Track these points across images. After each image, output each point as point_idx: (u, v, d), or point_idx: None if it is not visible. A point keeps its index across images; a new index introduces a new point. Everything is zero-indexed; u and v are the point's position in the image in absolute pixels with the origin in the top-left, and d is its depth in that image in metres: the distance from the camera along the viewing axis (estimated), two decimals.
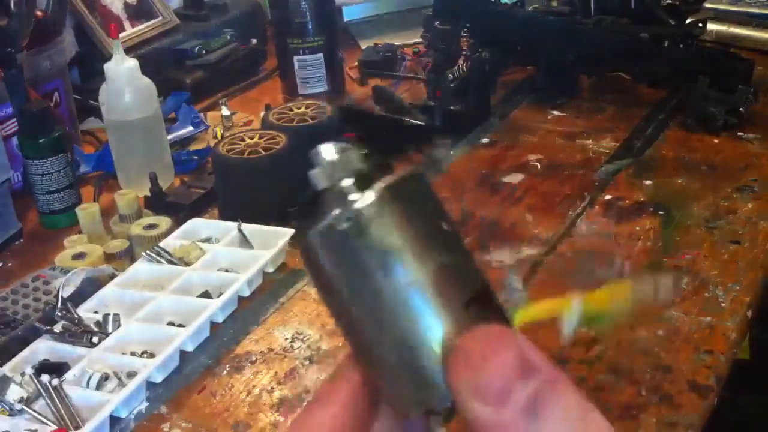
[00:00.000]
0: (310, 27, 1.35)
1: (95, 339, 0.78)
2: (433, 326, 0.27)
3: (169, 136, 1.19)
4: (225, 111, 1.30)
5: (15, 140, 1.10)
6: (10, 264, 1.02)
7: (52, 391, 0.72)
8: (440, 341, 0.27)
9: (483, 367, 0.25)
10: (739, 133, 1.14)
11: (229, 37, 1.52)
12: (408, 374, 0.28)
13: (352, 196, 0.28)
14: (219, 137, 1.22)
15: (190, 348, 0.81)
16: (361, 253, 0.28)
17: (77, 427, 0.69)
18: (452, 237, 0.29)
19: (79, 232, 1.01)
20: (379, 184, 0.28)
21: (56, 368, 0.76)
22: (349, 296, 0.28)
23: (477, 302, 0.28)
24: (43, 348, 0.79)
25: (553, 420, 0.24)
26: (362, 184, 0.29)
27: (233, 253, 0.93)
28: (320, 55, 1.36)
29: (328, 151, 0.29)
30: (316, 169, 0.29)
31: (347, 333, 0.29)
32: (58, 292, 0.82)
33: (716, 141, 1.14)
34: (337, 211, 0.28)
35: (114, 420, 0.73)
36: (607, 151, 1.14)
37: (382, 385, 0.29)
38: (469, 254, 0.29)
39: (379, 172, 0.29)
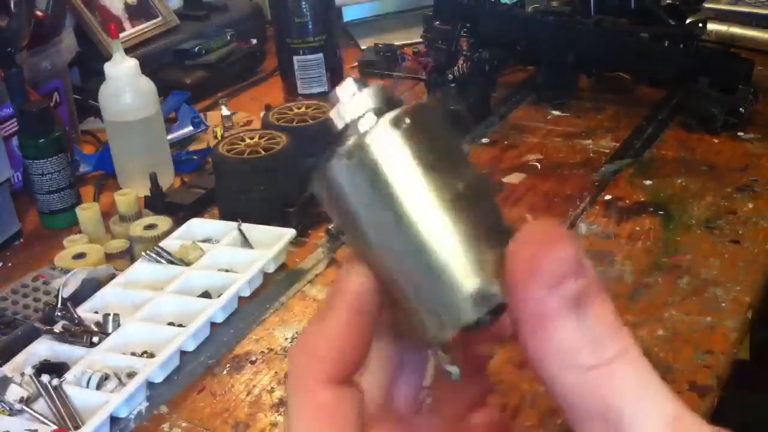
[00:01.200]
0: (310, 27, 1.35)
1: (95, 339, 0.78)
2: (462, 244, 0.27)
3: (169, 136, 1.19)
4: (225, 111, 1.30)
5: (15, 140, 1.10)
6: (10, 264, 1.02)
7: (52, 391, 0.72)
8: (473, 256, 0.27)
9: (545, 253, 0.26)
10: (739, 133, 1.14)
11: (229, 37, 1.52)
12: (438, 294, 0.27)
13: (366, 126, 0.28)
14: (219, 137, 1.22)
15: (190, 348, 0.81)
16: (384, 177, 0.27)
17: (77, 427, 0.69)
18: (469, 166, 0.29)
19: (79, 232, 1.01)
20: (391, 113, 0.28)
21: (56, 368, 0.76)
22: (367, 221, 0.28)
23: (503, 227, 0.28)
24: (43, 348, 0.79)
25: (594, 316, 0.25)
26: (378, 116, 0.29)
27: (233, 253, 0.93)
28: (320, 55, 1.37)
29: (345, 90, 0.29)
30: (333, 110, 0.29)
31: (370, 264, 0.29)
32: (58, 292, 0.82)
33: (716, 141, 1.14)
34: (352, 139, 0.28)
35: (114, 420, 0.73)
36: (607, 151, 1.14)
37: (409, 315, 0.28)
38: (483, 176, 0.29)
39: (392, 104, 0.29)
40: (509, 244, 0.27)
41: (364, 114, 0.29)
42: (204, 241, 0.96)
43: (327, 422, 0.28)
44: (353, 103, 0.29)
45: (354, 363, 0.29)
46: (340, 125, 0.29)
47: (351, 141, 0.28)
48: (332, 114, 0.29)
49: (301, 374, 0.29)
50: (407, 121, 0.28)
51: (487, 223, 0.28)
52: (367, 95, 0.29)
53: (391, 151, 0.27)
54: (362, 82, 0.30)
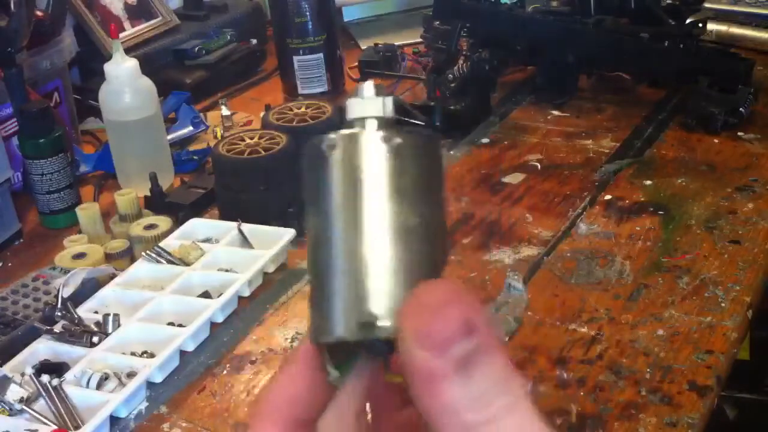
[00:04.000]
0: (310, 27, 1.35)
1: (95, 339, 0.78)
2: (385, 272, 0.28)
3: (169, 136, 1.19)
4: (225, 111, 1.30)
5: (15, 140, 1.10)
6: (10, 264, 1.02)
7: (52, 391, 0.72)
8: (387, 286, 0.28)
9: (432, 316, 0.27)
10: (739, 133, 1.14)
11: (229, 37, 1.52)
12: (339, 302, 0.29)
13: (362, 129, 0.30)
14: (219, 137, 1.22)
15: (190, 348, 0.81)
16: (350, 179, 0.29)
17: (77, 427, 0.69)
18: (442, 198, 0.30)
19: (79, 232, 1.01)
20: (390, 129, 0.30)
21: (56, 368, 0.76)
22: (323, 209, 0.29)
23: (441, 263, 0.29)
24: (43, 348, 0.79)
25: (481, 375, 0.26)
26: (380, 126, 0.30)
27: (233, 253, 0.93)
28: (320, 55, 1.37)
29: (369, 89, 0.31)
30: (353, 100, 0.31)
31: (311, 248, 0.30)
32: (58, 292, 0.82)
33: (716, 141, 1.14)
34: (343, 134, 0.29)
35: (114, 420, 0.73)
36: (607, 151, 1.14)
37: (312, 308, 0.30)
38: (444, 226, 0.30)
39: (400, 126, 0.31)
40: (403, 304, 0.28)
41: (368, 117, 0.31)
42: (204, 241, 0.96)
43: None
44: (365, 104, 0.31)
45: (307, 408, 0.31)
46: (347, 117, 0.31)
47: (341, 134, 0.29)
48: (347, 103, 0.31)
49: (259, 419, 0.32)
50: (398, 141, 0.29)
51: (423, 266, 0.29)
52: (380, 102, 0.31)
53: (368, 161, 0.29)
54: (383, 90, 0.31)
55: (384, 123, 0.30)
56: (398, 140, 0.29)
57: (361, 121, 0.30)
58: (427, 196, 0.30)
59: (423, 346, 0.27)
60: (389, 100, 0.31)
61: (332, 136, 0.29)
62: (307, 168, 0.30)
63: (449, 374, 0.26)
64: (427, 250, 0.29)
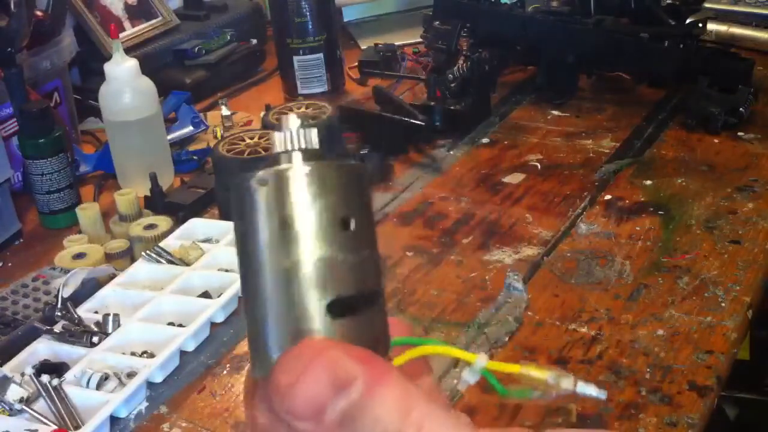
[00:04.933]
0: (310, 27, 1.35)
1: (95, 339, 0.78)
2: (289, 312, 0.28)
3: (169, 136, 1.19)
4: (225, 111, 1.30)
5: (15, 140, 1.10)
6: (10, 264, 1.02)
7: (52, 391, 0.72)
8: (289, 330, 0.28)
9: (294, 391, 0.27)
10: (739, 133, 1.14)
11: (229, 37, 1.52)
12: (260, 339, 0.29)
13: (285, 164, 0.30)
14: (219, 137, 1.22)
15: (190, 348, 0.81)
16: (259, 216, 0.29)
17: (77, 427, 0.69)
18: (355, 237, 0.29)
19: (79, 232, 1.01)
20: (307, 167, 0.29)
21: (56, 368, 0.76)
22: (241, 249, 0.30)
23: (343, 305, 0.29)
24: (43, 348, 0.79)
25: (367, 427, 0.26)
26: (305, 160, 0.30)
27: (233, 253, 0.92)
28: (320, 55, 1.37)
29: (293, 121, 0.31)
30: (277, 134, 0.31)
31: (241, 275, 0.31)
32: (58, 292, 0.82)
33: (716, 141, 1.14)
34: (262, 171, 0.29)
35: (114, 420, 0.73)
36: (607, 151, 1.14)
37: (250, 340, 0.30)
38: (367, 259, 0.30)
39: (325, 155, 0.31)
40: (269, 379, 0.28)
41: (293, 151, 0.30)
42: (204, 241, 0.96)
43: None
44: (289, 137, 0.30)
45: None
46: (275, 148, 0.31)
47: (250, 174, 0.29)
48: (276, 136, 0.31)
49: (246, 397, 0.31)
50: (317, 177, 0.29)
51: (325, 299, 0.29)
52: (305, 135, 0.30)
53: (271, 200, 0.29)
54: (306, 122, 0.31)
55: (309, 155, 0.30)
56: (317, 174, 0.29)
57: (287, 155, 0.30)
58: (346, 221, 0.29)
59: (299, 417, 0.26)
60: (313, 133, 0.31)
61: (243, 176, 0.29)
62: (233, 210, 0.30)
63: None
64: (351, 281, 0.29)
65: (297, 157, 0.30)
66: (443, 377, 0.72)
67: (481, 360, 0.30)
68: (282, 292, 0.29)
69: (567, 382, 0.30)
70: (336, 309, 0.28)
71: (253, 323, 0.29)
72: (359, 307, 0.29)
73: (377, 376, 0.27)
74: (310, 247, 0.28)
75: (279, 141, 0.30)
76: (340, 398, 0.26)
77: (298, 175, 0.29)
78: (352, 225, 0.29)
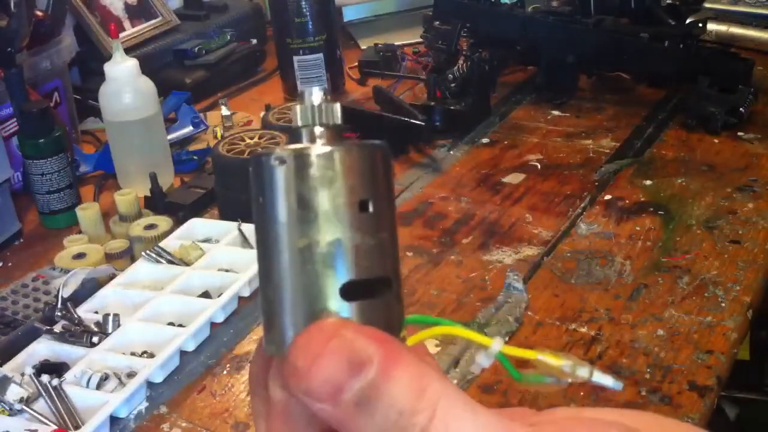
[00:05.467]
0: (310, 27, 1.35)
1: (95, 339, 0.78)
2: (304, 292, 0.28)
3: (169, 136, 1.19)
4: (225, 111, 1.30)
5: (15, 140, 1.10)
6: (10, 264, 1.02)
7: (52, 391, 0.72)
8: (304, 310, 0.28)
9: (311, 372, 0.27)
10: (739, 133, 1.14)
11: (229, 37, 1.52)
12: (274, 318, 0.29)
13: (307, 143, 0.29)
14: (219, 137, 1.23)
15: (190, 348, 0.81)
16: (276, 195, 0.29)
17: (77, 427, 0.69)
18: (373, 219, 0.29)
19: (79, 232, 1.01)
20: (327, 147, 0.28)
21: (56, 368, 0.76)
22: (258, 227, 0.30)
23: (358, 288, 0.28)
24: (43, 348, 0.79)
25: (383, 408, 0.26)
26: (326, 137, 0.29)
27: (233, 253, 0.93)
28: (320, 55, 1.37)
29: (316, 95, 0.30)
30: (299, 107, 0.30)
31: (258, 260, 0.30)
32: (58, 292, 0.82)
33: (716, 141, 1.14)
34: (283, 148, 0.29)
35: (114, 420, 0.73)
36: (607, 151, 1.14)
37: (264, 318, 0.30)
38: (385, 242, 0.29)
39: (343, 135, 0.30)
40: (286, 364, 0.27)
41: (316, 127, 0.30)
42: (204, 241, 0.96)
43: (281, 420, 0.30)
44: (316, 111, 0.30)
45: None
46: (296, 123, 0.30)
47: (279, 151, 0.29)
48: (296, 109, 0.30)
49: (254, 377, 0.31)
50: (338, 156, 0.28)
51: (341, 282, 0.28)
52: (332, 109, 0.30)
53: (293, 181, 0.28)
54: (329, 96, 0.30)
55: (331, 132, 0.30)
56: (337, 155, 0.28)
57: (308, 129, 0.30)
58: (365, 203, 0.29)
59: (318, 399, 0.26)
60: (337, 107, 0.30)
61: (277, 152, 0.29)
62: (252, 182, 0.30)
63: (353, 417, 0.26)
64: (370, 264, 0.28)
65: (318, 133, 0.29)
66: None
67: (496, 344, 0.30)
68: (298, 272, 0.28)
69: (583, 371, 0.30)
70: (351, 291, 0.28)
71: (268, 301, 0.29)
72: (375, 291, 0.29)
73: (392, 356, 0.27)
74: (327, 227, 0.28)
75: (301, 114, 0.30)
76: (357, 379, 0.26)
77: (318, 155, 0.28)
78: (371, 207, 0.29)
